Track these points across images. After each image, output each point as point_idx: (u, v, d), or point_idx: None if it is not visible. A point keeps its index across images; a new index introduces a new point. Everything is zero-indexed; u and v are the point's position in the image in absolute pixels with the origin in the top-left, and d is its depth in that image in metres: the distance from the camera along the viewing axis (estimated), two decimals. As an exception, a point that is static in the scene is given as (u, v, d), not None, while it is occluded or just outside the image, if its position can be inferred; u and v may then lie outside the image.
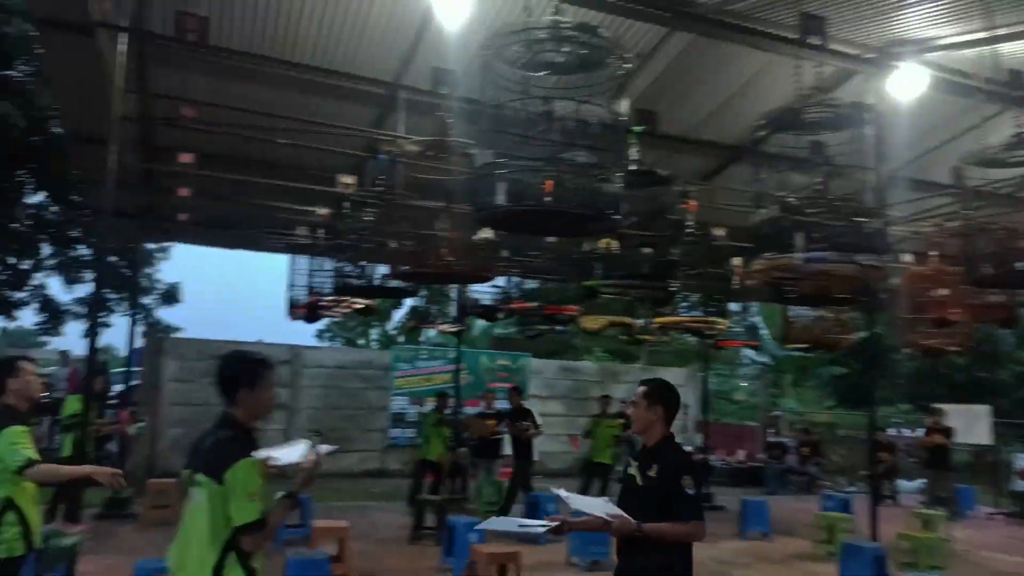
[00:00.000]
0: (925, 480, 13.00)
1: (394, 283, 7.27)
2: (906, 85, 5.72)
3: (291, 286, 9.43)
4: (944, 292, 6.85)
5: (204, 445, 2.83)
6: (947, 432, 12.16)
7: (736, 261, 9.49)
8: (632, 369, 18.75)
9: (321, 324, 32.97)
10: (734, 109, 7.76)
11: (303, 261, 9.45)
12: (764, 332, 21.65)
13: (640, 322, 9.54)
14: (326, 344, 28.51)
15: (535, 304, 8.09)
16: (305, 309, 8.70)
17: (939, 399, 15.23)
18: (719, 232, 8.11)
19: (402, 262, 5.75)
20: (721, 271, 8.75)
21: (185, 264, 23.30)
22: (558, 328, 9.81)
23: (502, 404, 14.50)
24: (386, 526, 9.73)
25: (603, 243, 7.71)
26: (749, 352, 31.13)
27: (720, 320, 8.83)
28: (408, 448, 15.65)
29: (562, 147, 3.72)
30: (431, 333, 27.01)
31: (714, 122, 7.95)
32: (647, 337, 11.29)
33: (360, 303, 8.24)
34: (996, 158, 5.16)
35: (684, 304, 16.02)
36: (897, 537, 8.17)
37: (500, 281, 9.59)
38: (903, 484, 15.00)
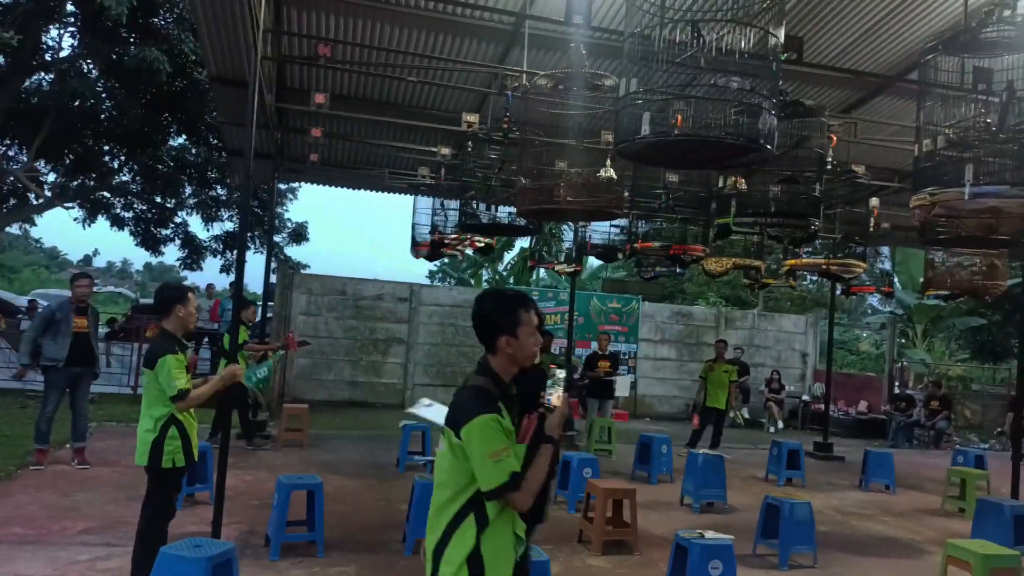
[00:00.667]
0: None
1: (516, 221, 7.31)
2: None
3: (414, 225, 9.66)
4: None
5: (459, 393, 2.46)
6: None
7: (874, 201, 8.93)
8: (748, 314, 18.20)
9: (433, 266, 33.88)
10: (881, 35, 7.16)
11: (426, 200, 9.63)
12: (895, 280, 20.40)
13: (764, 264, 9.18)
14: (444, 285, 29.28)
15: (660, 243, 7.90)
16: (428, 247, 8.91)
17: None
18: (859, 169, 7.60)
19: (527, 200, 5.73)
20: (859, 212, 8.24)
21: (312, 203, 24.33)
22: (678, 270, 9.60)
23: (613, 346, 14.58)
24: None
25: (730, 181, 7.42)
26: (873, 300, 29.58)
27: (858, 263, 8.36)
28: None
29: (711, 74, 3.55)
30: (541, 274, 27.21)
31: (859, 50, 7.36)
32: (770, 281, 10.90)
33: (481, 241, 8.35)
34: None
35: (808, 248, 15.32)
36: (1043, 497, 7.65)
37: (619, 221, 9.44)
38: (1047, 444, 13.98)
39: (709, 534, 4.89)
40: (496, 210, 7.47)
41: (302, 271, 18.24)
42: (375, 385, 15.38)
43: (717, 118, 3.46)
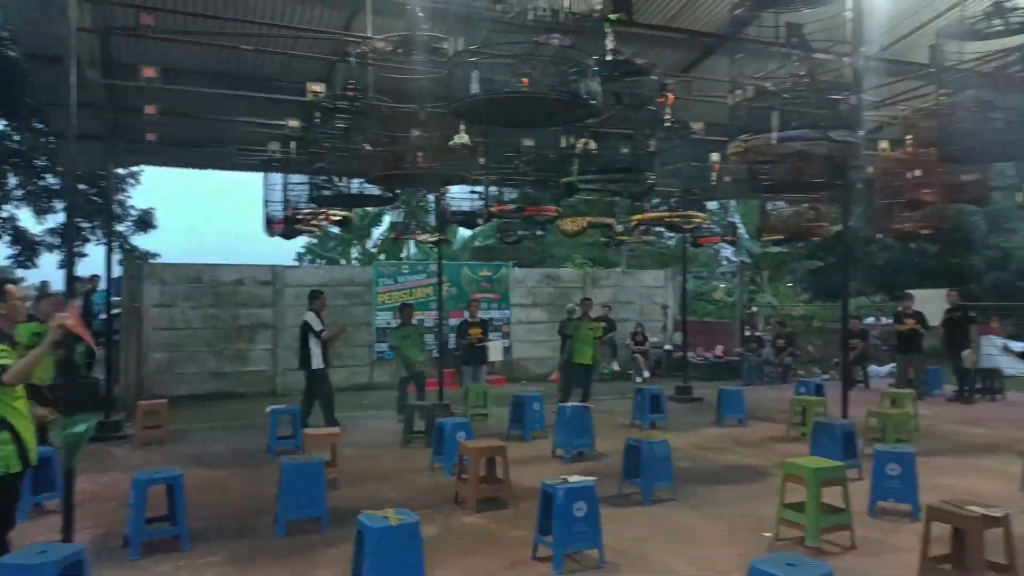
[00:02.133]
0: (895, 364, 13.49)
1: (370, 190, 7.21)
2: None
3: (266, 202, 9.31)
4: (918, 174, 6.94)
5: None
6: (917, 317, 12.54)
7: (714, 156, 9.49)
8: (613, 274, 18.94)
9: (300, 247, 32.79)
10: (710, -2, 7.59)
11: (277, 176, 9.28)
12: (742, 230, 21.84)
13: (618, 221, 9.58)
14: (309, 264, 28.41)
15: (514, 206, 8.06)
16: (282, 224, 8.62)
17: (911, 287, 15.61)
18: (697, 126, 8.05)
19: (375, 167, 5.67)
20: (699, 166, 8.74)
21: (157, 188, 22.83)
22: (538, 232, 9.83)
23: (487, 314, 14.81)
24: (378, 433, 10.01)
25: (581, 142, 7.65)
26: (727, 252, 31.51)
27: (697, 214, 8.89)
28: (394, 362, 15.94)
29: (537, 34, 3.64)
30: (413, 250, 26.99)
31: (691, 11, 7.75)
32: (625, 237, 11.39)
33: (338, 214, 8.17)
34: (974, 29, 5.11)
35: (663, 204, 16.11)
36: (867, 415, 8.55)
37: (479, 189, 9.52)
38: (874, 369, 15.58)
39: (573, 478, 5.12)
40: (349, 182, 7.32)
41: (151, 260, 17.15)
42: (243, 374, 14.79)
43: (545, 76, 3.56)
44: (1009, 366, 14.11)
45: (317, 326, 9.00)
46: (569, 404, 8.53)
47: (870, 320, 18.31)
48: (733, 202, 23.18)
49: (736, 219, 23.77)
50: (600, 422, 9.15)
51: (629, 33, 7.50)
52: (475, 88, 3.39)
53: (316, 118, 7.81)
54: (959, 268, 21.15)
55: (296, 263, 28.56)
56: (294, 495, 5.66)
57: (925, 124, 6.70)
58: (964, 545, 4.34)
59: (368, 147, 5.72)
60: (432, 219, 12.14)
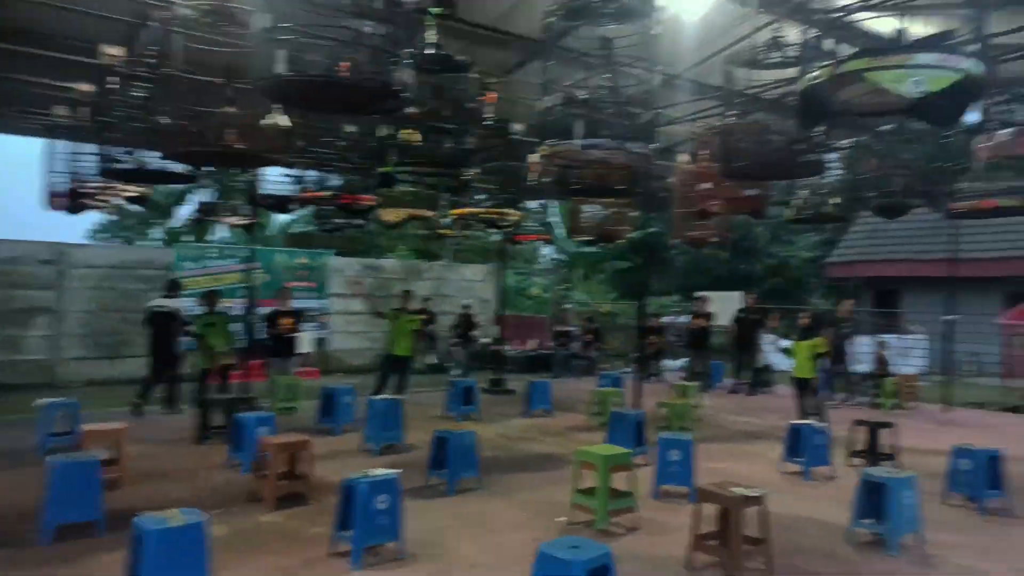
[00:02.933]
0: (687, 359, 14.76)
1: (173, 167, 6.68)
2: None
3: (49, 172, 8.34)
4: (707, 187, 7.63)
5: None
6: (708, 316, 13.81)
7: (532, 157, 9.81)
8: (435, 266, 19.02)
9: (96, 224, 29.73)
10: (539, 2, 7.79)
11: (62, 145, 8.35)
12: (559, 230, 22.82)
13: (438, 215, 9.63)
14: (101, 243, 25.82)
15: (329, 193, 7.82)
16: (67, 198, 7.75)
17: (704, 289, 17.16)
18: (518, 127, 8.28)
19: (179, 142, 5.27)
20: (519, 165, 8.98)
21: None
22: (356, 222, 9.64)
23: (301, 303, 14.29)
24: (172, 429, 9.31)
25: (404, 133, 7.59)
26: (547, 250, 32.75)
27: (513, 211, 9.16)
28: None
29: (351, 18, 3.56)
30: (224, 233, 25.42)
31: (519, 14, 7.91)
32: (446, 232, 11.49)
33: (131, 191, 7.49)
34: (755, 59, 5.71)
35: (486, 201, 16.42)
36: (657, 405, 9.28)
37: (295, 172, 9.16)
38: (669, 363, 16.94)
39: (376, 471, 5.08)
40: (145, 156, 6.72)
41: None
42: (16, 363, 13.15)
43: (355, 62, 3.49)
44: (779, 362, 15.93)
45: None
46: (380, 397, 8.46)
47: (668, 319, 19.84)
48: (554, 203, 24.20)
49: (554, 219, 24.84)
50: (413, 414, 9.17)
51: (457, 29, 7.56)
52: (279, 68, 3.25)
53: (113, 84, 7.12)
54: (745, 274, 23.53)
55: (86, 242, 25.82)
56: (65, 497, 5.13)
57: (715, 142, 7.38)
58: (728, 523, 4.85)
59: (169, 120, 5.29)
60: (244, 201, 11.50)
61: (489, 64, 8.57)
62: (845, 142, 8.47)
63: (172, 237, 26.93)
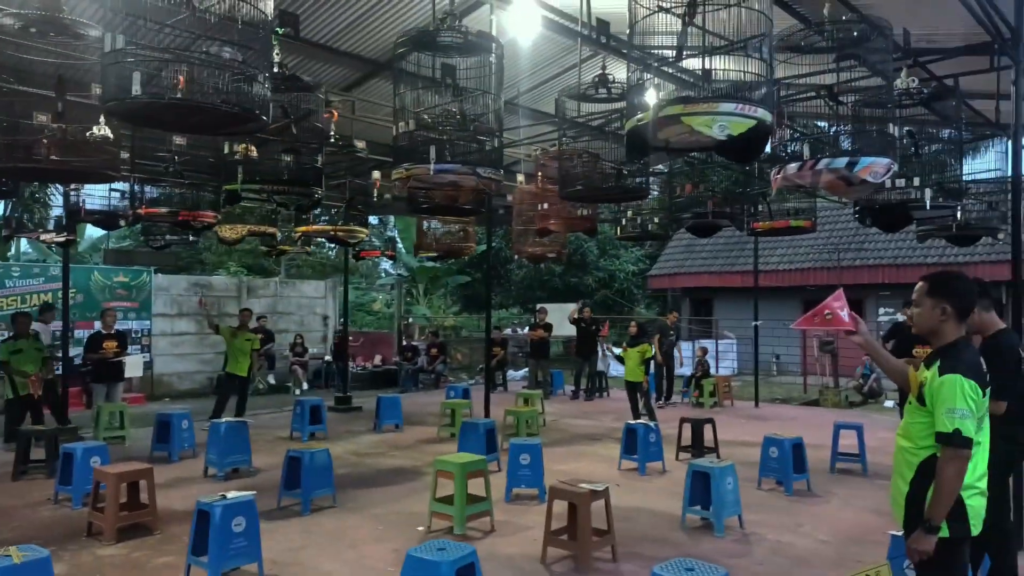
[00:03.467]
0: (528, 368, 15.41)
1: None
2: (522, 21, 6.50)
3: None
4: (546, 207, 8.16)
5: None
6: (547, 327, 14.52)
7: (376, 174, 9.91)
8: (271, 282, 18.39)
9: None
10: (373, 23, 7.94)
11: None
12: (400, 245, 22.87)
13: (279, 232, 9.46)
14: None
15: (167, 210, 7.46)
16: None
17: (542, 301, 17.98)
18: (360, 144, 8.36)
19: (4, 156, 4.88)
20: (362, 183, 9.05)
21: None
22: (191, 238, 9.22)
23: (124, 325, 13.32)
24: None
25: (241, 148, 7.44)
26: (386, 265, 32.57)
27: (360, 229, 9.21)
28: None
29: (203, 39, 3.56)
30: (24, 246, 22.97)
31: (354, 33, 8.02)
32: (287, 248, 11.26)
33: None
34: (585, 94, 6.27)
35: (324, 216, 16.16)
36: (505, 413, 9.69)
37: (121, 187, 8.62)
38: (512, 373, 17.57)
39: (231, 494, 4.99)
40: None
41: None
42: None
43: (214, 85, 3.50)
44: (612, 368, 17.04)
45: None
46: (223, 420, 8.16)
47: (508, 331, 20.53)
48: (391, 218, 24.24)
49: (395, 234, 24.88)
50: (256, 436, 8.92)
51: (296, 47, 7.54)
52: (136, 90, 3.19)
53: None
54: (577, 286, 24.85)
55: None
56: None
57: (550, 164, 7.93)
58: (576, 517, 5.26)
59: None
60: (54, 213, 10.60)
61: (328, 80, 8.61)
62: (663, 168, 9.40)
63: (-40, 255, 23.92)
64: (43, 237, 8.84)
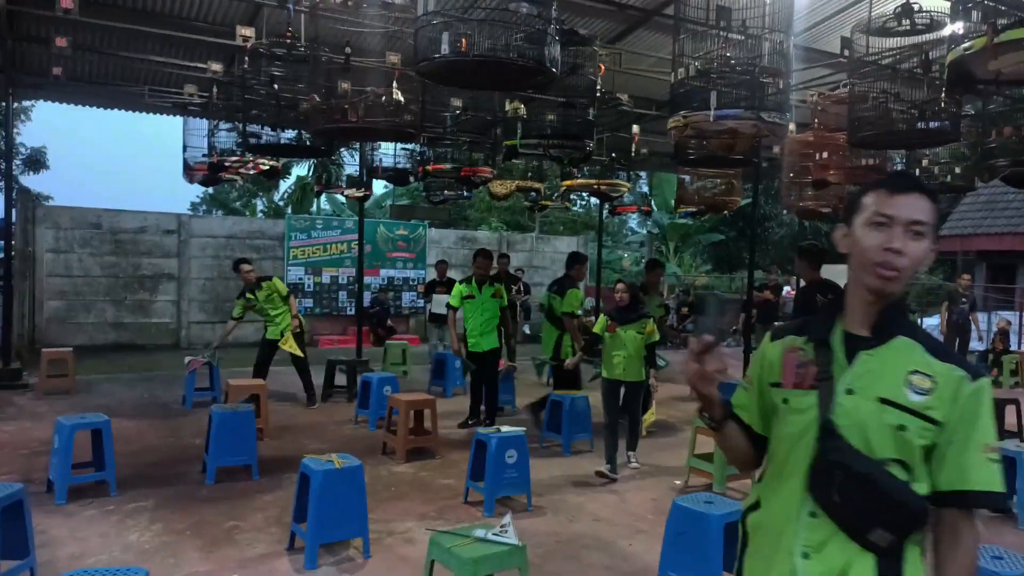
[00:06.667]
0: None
1: (305, 141, 7.12)
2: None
3: (186, 147, 8.98)
4: (824, 156, 7.51)
5: None
6: (775, 289, 13.49)
7: (635, 128, 9.84)
8: (528, 238, 19.27)
9: (196, 197, 31.39)
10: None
11: (200, 122, 8.98)
12: (652, 201, 22.61)
13: (544, 186, 9.81)
14: (218, 216, 27.30)
15: (451, 166, 8.11)
16: (205, 170, 8.35)
17: (803, 262, 16.72)
18: (624, 97, 8.33)
19: (319, 119, 5.63)
20: (624, 136, 9.05)
21: (51, 126, 21.24)
22: (465, 193, 9.94)
23: (402, 273, 14.84)
24: (295, 386, 9.96)
25: (511, 106, 7.79)
26: (633, 223, 32.48)
27: (623, 183, 9.25)
28: (307, 317, 15.75)
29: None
30: (323, 204, 26.40)
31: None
32: (547, 203, 11.67)
33: (266, 164, 8.00)
34: (884, 27, 5.60)
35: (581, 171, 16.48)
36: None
37: (409, 146, 9.50)
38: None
39: (504, 428, 5.40)
40: (281, 131, 7.17)
41: (46, 203, 16.08)
42: (145, 326, 14.27)
43: (508, 42, 3.69)
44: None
45: None
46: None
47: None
48: (644, 174, 24.01)
49: (647, 190, 24.64)
50: (520, 379, 9.48)
51: (564, 2, 7.66)
52: (445, 48, 3.48)
53: (245, 63, 7.59)
54: (844, 247, 22.74)
55: (190, 213, 27.38)
56: (224, 443, 5.67)
57: (834, 110, 7.25)
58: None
59: (316, 98, 5.65)
60: (346, 172, 11.96)
61: (592, 34, 8.65)
62: (970, 110, 8.15)
63: (275, 209, 28.18)
64: (346, 192, 10.07)
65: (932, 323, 13.75)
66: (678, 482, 6.02)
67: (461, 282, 7.59)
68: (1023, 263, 18.32)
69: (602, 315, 6.35)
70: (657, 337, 6.24)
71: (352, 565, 4.17)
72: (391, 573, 4.09)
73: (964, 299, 12.38)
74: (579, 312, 7.36)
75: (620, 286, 6.09)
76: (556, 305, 7.45)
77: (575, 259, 7.70)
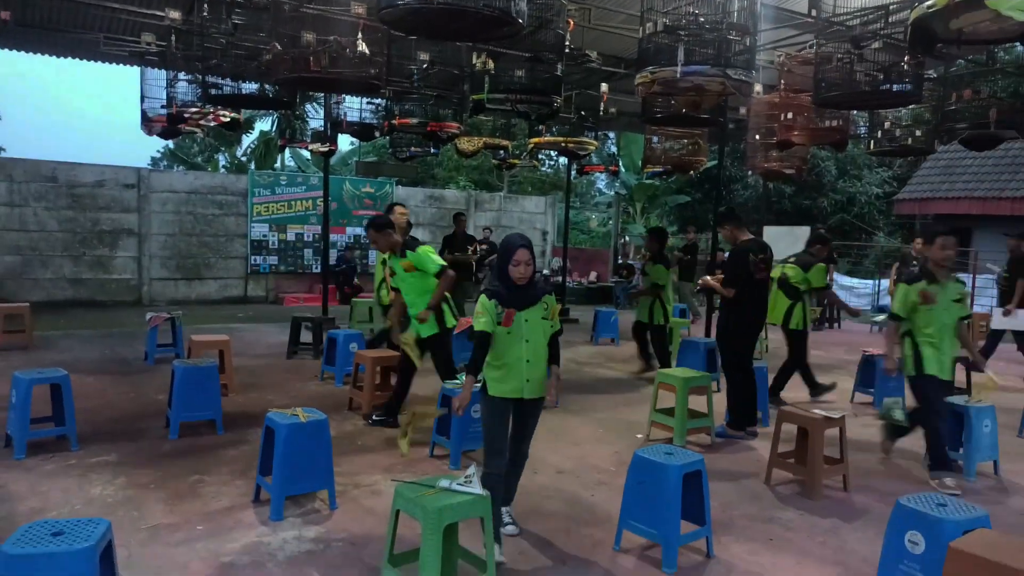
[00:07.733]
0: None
1: (267, 92, 6.95)
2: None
3: (144, 98, 8.71)
4: (789, 116, 7.57)
5: None
6: (691, 248, 13.56)
7: (604, 87, 9.78)
8: (496, 197, 19.19)
9: (156, 152, 30.57)
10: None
11: (158, 72, 8.69)
12: (620, 162, 22.61)
13: (512, 144, 9.74)
14: (162, 169, 26.66)
15: (417, 120, 8.00)
16: (163, 122, 8.12)
17: (768, 224, 16.95)
18: (592, 54, 8.26)
19: (282, 69, 5.50)
20: (592, 94, 8.98)
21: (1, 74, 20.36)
22: (432, 150, 9.83)
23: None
24: (259, 344, 9.92)
25: (479, 61, 7.69)
26: (600, 184, 32.49)
27: (590, 141, 9.23)
28: (271, 275, 15.58)
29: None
30: (287, 159, 25.90)
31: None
32: (515, 161, 11.61)
33: (227, 115, 7.80)
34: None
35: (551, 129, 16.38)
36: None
37: (375, 100, 9.33)
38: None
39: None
40: (243, 82, 6.98)
41: (-3, 155, 15.54)
42: (104, 282, 14.00)
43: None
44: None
45: None
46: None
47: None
48: (612, 134, 23.95)
49: (615, 150, 24.61)
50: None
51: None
52: (409, -5, 3.41)
53: (204, 11, 7.34)
54: (809, 209, 23.07)
55: (150, 167, 26.69)
56: (187, 398, 5.63)
57: (800, 71, 7.28)
58: (809, 442, 5.06)
59: (278, 47, 5.50)
60: (310, 127, 11.75)
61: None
62: (935, 74, 8.24)
63: (237, 165, 27.59)
64: (311, 147, 9.89)
65: (884, 284, 14.10)
66: (640, 436, 6.16)
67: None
68: (979, 227, 18.79)
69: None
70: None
71: (318, 516, 4.21)
72: (357, 523, 4.14)
73: (915, 262, 12.69)
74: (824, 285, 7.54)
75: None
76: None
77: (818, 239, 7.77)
